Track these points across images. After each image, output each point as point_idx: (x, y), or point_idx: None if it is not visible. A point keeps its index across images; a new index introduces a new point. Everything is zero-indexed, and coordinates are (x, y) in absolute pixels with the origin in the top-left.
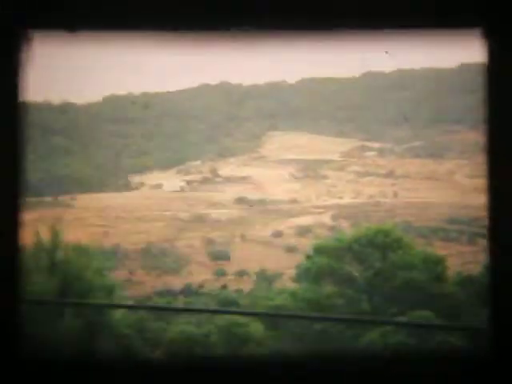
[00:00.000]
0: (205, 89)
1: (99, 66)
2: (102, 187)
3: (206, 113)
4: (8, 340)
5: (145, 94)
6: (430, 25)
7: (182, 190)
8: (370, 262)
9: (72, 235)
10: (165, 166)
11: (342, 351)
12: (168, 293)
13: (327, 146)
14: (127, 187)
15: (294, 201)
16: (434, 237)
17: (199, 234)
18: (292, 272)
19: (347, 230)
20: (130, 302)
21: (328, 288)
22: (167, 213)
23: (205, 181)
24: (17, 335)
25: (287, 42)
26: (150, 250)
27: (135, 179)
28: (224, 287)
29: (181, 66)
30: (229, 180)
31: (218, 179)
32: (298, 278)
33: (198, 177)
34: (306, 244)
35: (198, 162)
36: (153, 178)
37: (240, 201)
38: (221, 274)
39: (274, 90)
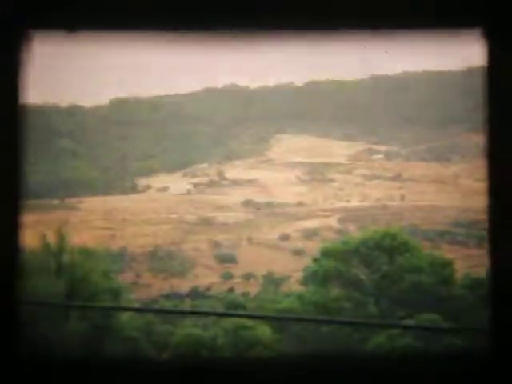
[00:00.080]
0: (212, 91)
1: (104, 67)
2: (108, 190)
3: (212, 116)
4: (7, 341)
5: (151, 97)
6: (429, 25)
7: (189, 192)
8: (377, 265)
9: (79, 238)
10: (171, 168)
11: (349, 354)
12: (175, 296)
13: (334, 149)
14: (134, 190)
15: (300, 204)
16: (441, 240)
17: (206, 237)
18: (299, 275)
19: (354, 233)
20: (137, 305)
21: (335, 291)
22: (174, 216)
23: (211, 184)
24: (16, 337)
25: (293, 43)
26: (156, 252)
27: (142, 182)
28: (231, 290)
29: (188, 68)
30: (235, 183)
31: (224, 182)
32: (305, 281)
33: (204, 180)
34: (313, 247)
35: (205, 165)
36: (159, 180)
37: (247, 204)
38: (228, 277)
39: (281, 92)
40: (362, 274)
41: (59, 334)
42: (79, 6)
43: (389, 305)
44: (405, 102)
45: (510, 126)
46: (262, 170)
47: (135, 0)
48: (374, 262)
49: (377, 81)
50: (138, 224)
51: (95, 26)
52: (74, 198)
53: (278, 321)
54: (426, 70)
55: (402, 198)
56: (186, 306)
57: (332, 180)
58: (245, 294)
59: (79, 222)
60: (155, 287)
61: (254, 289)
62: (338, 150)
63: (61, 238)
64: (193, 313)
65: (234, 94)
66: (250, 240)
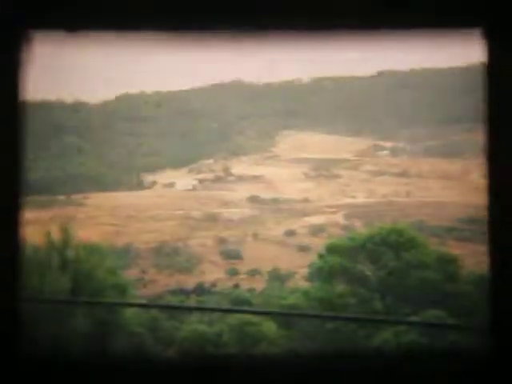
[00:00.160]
0: (218, 87)
1: (106, 66)
2: (114, 186)
3: (218, 111)
4: (7, 340)
5: (157, 93)
6: (429, 25)
7: (195, 188)
8: (383, 261)
9: (84, 234)
10: (177, 164)
11: (353, 350)
12: (180, 292)
13: (340, 145)
14: (140, 186)
15: (306, 200)
16: (448, 236)
17: (212, 233)
18: (305, 271)
19: (360, 229)
20: (143, 301)
21: (341, 287)
22: (180, 212)
23: (217, 180)
24: (17, 335)
25: (294, 43)
26: (162, 248)
27: (148, 178)
28: (236, 286)
29: (193, 64)
30: (241, 179)
31: (230, 178)
32: (310, 277)
33: (210, 175)
34: (319, 243)
35: (211, 161)
36: (165, 176)
37: (253, 200)
38: (233, 273)
39: (288, 88)
40: (367, 270)
41: (64, 330)
42: (79, 6)
43: (394, 301)
44: (412, 99)
45: (510, 125)
46: (267, 166)
47: (135, 0)
48: (380, 258)
49: (384, 77)
50: (143, 220)
51: (95, 26)
52: (80, 194)
53: (284, 317)
54: (432, 67)
55: (409, 194)
56: (192, 302)
57: (338, 176)
58: (250, 290)
59: (85, 218)
60: (161, 283)
61: (259, 285)
62: (344, 146)
63: (66, 234)
64: (198, 309)
65: (239, 90)
66: (255, 236)
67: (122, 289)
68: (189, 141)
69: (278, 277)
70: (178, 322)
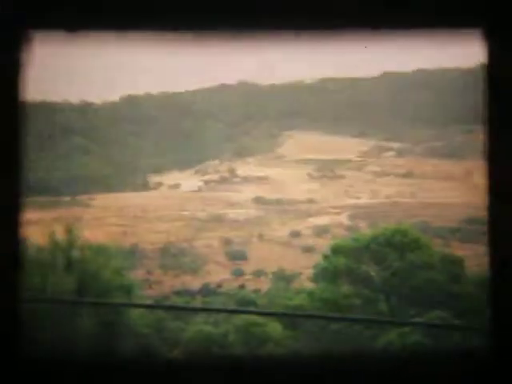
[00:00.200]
0: (223, 88)
1: (111, 66)
2: (120, 187)
3: (224, 112)
4: (8, 340)
5: (163, 94)
6: (429, 25)
7: (200, 189)
8: (387, 262)
9: (90, 235)
10: (183, 165)
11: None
12: (186, 292)
13: (345, 146)
14: (145, 187)
15: (311, 201)
16: (452, 237)
17: (217, 234)
18: (310, 272)
19: (365, 230)
20: (149, 302)
21: (345, 288)
22: (185, 213)
23: (223, 181)
24: (17, 335)
25: (302, 41)
26: (168, 249)
27: (153, 179)
28: (242, 287)
29: (199, 65)
30: (246, 180)
31: (235, 179)
32: (315, 278)
33: (215, 177)
34: (324, 244)
35: (216, 162)
36: (171, 177)
37: (258, 201)
38: (238, 273)
39: (292, 89)
40: (372, 270)
41: (69, 331)
42: (79, 6)
43: (399, 302)
44: (417, 100)
45: (510, 126)
46: (272, 167)
47: (136, 0)
48: (384, 259)
49: (389, 78)
50: (149, 221)
51: (95, 25)
52: (86, 195)
53: (289, 318)
54: (436, 67)
55: (413, 195)
56: (197, 302)
57: (342, 177)
58: (256, 291)
59: (91, 219)
60: (166, 284)
61: (264, 285)
62: (349, 147)
63: (71, 234)
64: (204, 309)
65: (244, 91)
66: (260, 237)
67: (127, 289)
68: (194, 142)
69: (283, 277)
70: (183, 322)
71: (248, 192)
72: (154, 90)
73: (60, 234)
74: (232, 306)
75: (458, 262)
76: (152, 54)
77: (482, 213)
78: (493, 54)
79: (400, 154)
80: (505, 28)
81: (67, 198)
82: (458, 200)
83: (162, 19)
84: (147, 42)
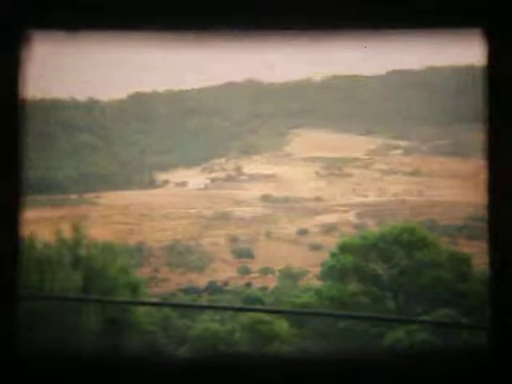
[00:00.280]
0: (230, 86)
1: (117, 64)
2: (127, 185)
3: (230, 110)
4: (5, 339)
5: (170, 92)
6: (429, 25)
7: (207, 187)
8: (395, 260)
9: (97, 233)
10: (190, 163)
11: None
12: (192, 290)
13: (352, 144)
14: (152, 185)
15: (318, 199)
16: (459, 235)
17: (224, 232)
18: (317, 270)
19: (372, 228)
20: (155, 300)
21: (353, 286)
22: (192, 210)
23: (229, 178)
24: (15, 335)
25: (311, 40)
26: (174, 247)
27: (160, 177)
28: (248, 285)
29: (206, 63)
30: (253, 178)
31: (242, 177)
32: (322, 276)
33: (222, 174)
34: (331, 242)
35: (223, 160)
36: (178, 175)
37: (265, 199)
38: (245, 271)
39: (300, 87)
40: (379, 268)
41: (75, 328)
42: (80, 6)
43: (406, 300)
44: (424, 98)
45: (510, 126)
46: (279, 165)
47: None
48: (392, 257)
49: (396, 76)
50: (156, 219)
51: (96, 25)
52: (92, 193)
53: (296, 315)
54: (445, 65)
55: (420, 193)
56: (204, 300)
57: (350, 175)
58: (262, 289)
59: (97, 217)
60: (173, 282)
61: (271, 283)
62: (356, 145)
63: (77, 232)
64: (210, 307)
65: (251, 89)
66: (267, 235)
67: (134, 287)
68: (201, 140)
69: (290, 275)
70: (190, 320)
71: (255, 190)
72: (161, 87)
73: (66, 232)
74: (238, 304)
75: (465, 260)
76: (159, 52)
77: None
78: (493, 54)
79: (407, 152)
80: (505, 28)
81: (74, 196)
82: (465, 198)
83: (163, 19)
84: (149, 42)
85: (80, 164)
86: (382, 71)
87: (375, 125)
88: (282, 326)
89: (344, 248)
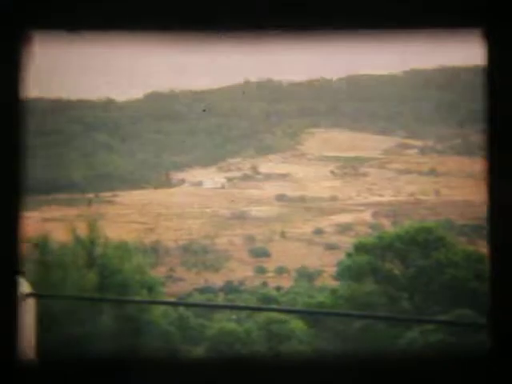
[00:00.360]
0: (246, 86)
1: (134, 64)
2: (143, 184)
3: (246, 110)
4: (5, 341)
5: (186, 91)
6: (429, 25)
7: (223, 187)
8: (411, 260)
9: (113, 232)
10: (205, 163)
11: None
12: (208, 290)
13: (368, 144)
14: (168, 184)
15: (334, 198)
16: (476, 235)
17: (239, 231)
18: (332, 270)
19: (388, 227)
20: (171, 299)
21: (369, 286)
22: (208, 210)
23: (245, 178)
24: (15, 336)
25: (326, 39)
26: (190, 246)
27: (176, 176)
28: (264, 284)
29: (221, 63)
30: (269, 177)
31: (258, 176)
32: (338, 276)
33: (238, 174)
34: (347, 242)
35: (239, 159)
36: (194, 174)
37: (280, 198)
38: (261, 271)
39: (315, 87)
40: (396, 268)
41: (90, 328)
42: (80, 6)
43: (423, 300)
44: (440, 97)
45: (510, 126)
46: (295, 165)
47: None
48: (408, 257)
49: (412, 75)
50: (172, 218)
51: (96, 25)
52: (109, 192)
53: (312, 315)
54: (464, 65)
55: (437, 192)
56: (220, 300)
57: (365, 174)
58: (278, 288)
59: (114, 216)
60: (189, 281)
61: (287, 283)
62: (372, 145)
63: (93, 231)
64: (227, 307)
65: (267, 88)
66: (283, 234)
67: (150, 287)
68: (217, 139)
69: (305, 275)
70: (206, 319)
71: (271, 189)
72: (178, 87)
73: (82, 231)
74: (254, 304)
75: (482, 260)
76: (175, 52)
77: None
78: (493, 54)
79: (423, 151)
80: (505, 28)
81: (90, 195)
82: (481, 197)
83: (164, 19)
84: (157, 42)
85: (96, 163)
86: (397, 71)
87: (390, 124)
88: (297, 325)
89: (360, 248)
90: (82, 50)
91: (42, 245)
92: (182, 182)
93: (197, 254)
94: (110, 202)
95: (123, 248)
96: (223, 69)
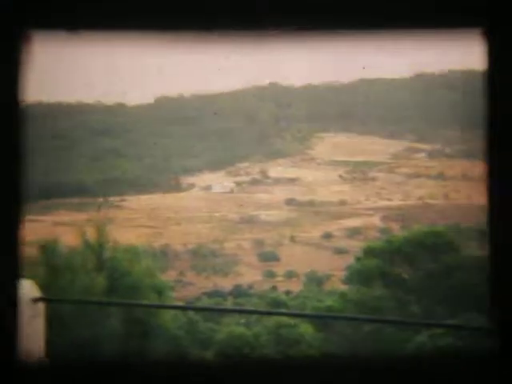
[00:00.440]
0: (255, 90)
1: (143, 66)
2: (152, 188)
3: (255, 114)
4: (5, 341)
5: (195, 95)
6: (429, 25)
7: (232, 191)
8: (420, 263)
9: (122, 236)
10: (215, 167)
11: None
12: (217, 294)
13: (376, 148)
14: (177, 188)
15: (343, 202)
16: (484, 239)
17: (248, 236)
18: (341, 274)
19: (397, 231)
20: (180, 303)
21: (378, 290)
22: (217, 214)
23: (254, 182)
24: (12, 338)
25: (336, 42)
26: (199, 250)
27: (185, 180)
28: (273, 288)
29: (230, 66)
30: (278, 181)
31: (267, 181)
32: (347, 280)
33: (247, 178)
34: (356, 246)
35: (248, 164)
36: (203, 179)
37: (289, 202)
38: (270, 275)
39: (324, 91)
40: (405, 272)
41: (99, 331)
42: (80, 6)
43: (432, 304)
44: (448, 101)
45: (511, 126)
46: (304, 169)
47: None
48: (417, 261)
49: (420, 79)
50: (181, 222)
51: (97, 25)
52: (118, 197)
53: (321, 319)
54: (468, 68)
55: (446, 196)
56: (229, 304)
57: (374, 178)
58: (287, 293)
59: (123, 220)
60: (198, 285)
61: (296, 287)
62: (380, 149)
63: (102, 235)
64: (235, 311)
65: (276, 92)
66: (292, 238)
67: (159, 291)
68: (226, 143)
69: (314, 279)
70: (215, 323)
71: (280, 193)
72: (187, 91)
73: (92, 235)
74: (263, 308)
75: None
76: (184, 54)
77: None
78: (493, 54)
79: (431, 155)
80: (505, 28)
81: (100, 200)
82: None
83: (165, 19)
84: (153, 42)
85: (105, 168)
86: (407, 74)
87: (399, 128)
88: (306, 329)
89: (369, 252)
90: (84, 50)
91: (52, 249)
92: (192, 186)
93: (206, 258)
94: (119, 207)
95: (132, 251)
96: (233, 73)
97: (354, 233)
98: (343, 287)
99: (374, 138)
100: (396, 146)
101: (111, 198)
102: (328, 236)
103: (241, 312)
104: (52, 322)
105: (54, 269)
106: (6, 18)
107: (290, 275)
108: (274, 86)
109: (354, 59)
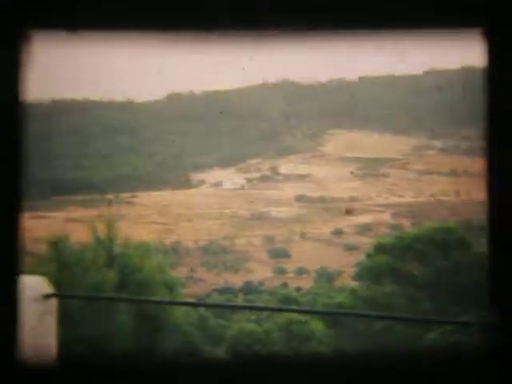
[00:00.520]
0: (265, 86)
1: (156, 65)
2: (162, 185)
3: (266, 111)
4: (5, 341)
5: (206, 92)
6: (429, 25)
7: (242, 187)
8: (431, 260)
9: (133, 232)
10: (225, 163)
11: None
12: (228, 290)
13: (388, 144)
14: (188, 185)
15: (354, 199)
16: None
17: (259, 232)
18: (352, 270)
19: (408, 228)
20: (191, 300)
21: (388, 287)
22: (227, 210)
23: (265, 179)
24: (14, 336)
25: (348, 39)
26: (210, 247)
27: (196, 177)
28: (284, 285)
29: (241, 64)
30: (289, 178)
31: (278, 177)
32: (358, 277)
33: (257, 175)
34: (367, 242)
35: (258, 160)
36: (213, 175)
37: (300, 199)
38: (280, 271)
39: (335, 88)
40: (415, 269)
41: (109, 328)
42: (80, 6)
43: (443, 301)
44: (460, 97)
45: (510, 126)
46: (315, 165)
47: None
48: (428, 258)
49: (432, 76)
50: (191, 219)
51: (97, 25)
52: (128, 193)
53: (331, 316)
54: (470, 68)
55: (457, 193)
56: (240, 300)
57: (386, 175)
58: (298, 289)
59: (134, 217)
60: (209, 282)
61: (306, 284)
62: (392, 145)
63: (112, 231)
64: (246, 307)
65: (287, 89)
66: (302, 235)
67: (170, 287)
68: (236, 140)
69: (325, 276)
70: (225, 320)
71: (290, 190)
72: (198, 88)
73: (102, 232)
74: (274, 304)
75: None
76: (194, 53)
77: None
78: (493, 54)
79: (443, 152)
80: (505, 28)
81: (110, 196)
82: None
83: (166, 19)
84: (153, 42)
85: (116, 164)
86: (418, 71)
87: (411, 125)
88: (317, 326)
89: (379, 248)
90: (86, 50)
91: (63, 245)
92: (202, 182)
93: (217, 255)
94: (129, 203)
95: (144, 247)
96: (242, 70)
97: (364, 229)
98: (354, 284)
99: (385, 134)
100: (407, 142)
101: (122, 195)
102: (338, 232)
103: (251, 308)
104: (63, 318)
105: (65, 265)
106: (5, 17)
107: (300, 272)
108: (283, 83)
109: (361, 58)
